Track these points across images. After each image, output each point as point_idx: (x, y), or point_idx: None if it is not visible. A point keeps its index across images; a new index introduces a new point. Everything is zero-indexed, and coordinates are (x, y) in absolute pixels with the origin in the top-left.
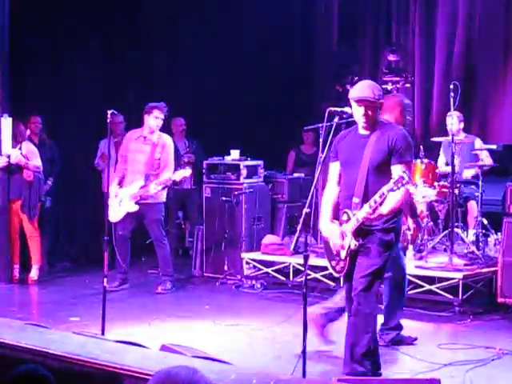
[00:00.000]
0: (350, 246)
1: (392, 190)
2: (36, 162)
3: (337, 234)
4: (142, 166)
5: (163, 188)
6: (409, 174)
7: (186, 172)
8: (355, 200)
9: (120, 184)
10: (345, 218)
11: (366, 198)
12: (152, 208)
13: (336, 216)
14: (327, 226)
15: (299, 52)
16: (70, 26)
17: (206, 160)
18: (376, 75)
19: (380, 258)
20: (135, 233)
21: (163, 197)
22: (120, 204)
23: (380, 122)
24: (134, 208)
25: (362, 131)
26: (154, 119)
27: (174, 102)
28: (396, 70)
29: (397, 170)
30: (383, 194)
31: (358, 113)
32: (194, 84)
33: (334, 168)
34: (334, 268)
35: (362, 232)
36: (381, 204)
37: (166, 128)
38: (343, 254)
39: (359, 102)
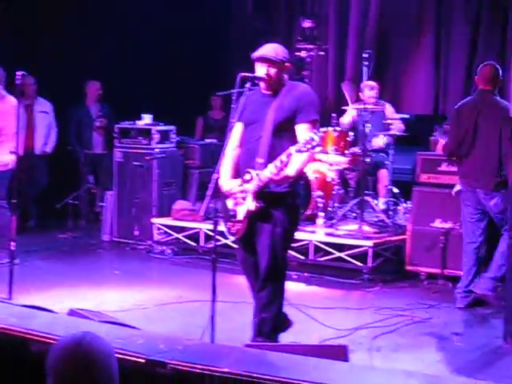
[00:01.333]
0: (249, 207)
1: (300, 150)
2: None
3: (237, 190)
4: None
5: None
6: (319, 135)
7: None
8: (259, 160)
9: None
10: (247, 177)
11: (270, 158)
12: None
13: (236, 177)
14: (227, 183)
15: (212, 17)
16: None
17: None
18: (290, 43)
19: (284, 224)
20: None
21: (9, 165)
22: None
23: (285, 83)
24: None
25: (266, 91)
26: None
27: (87, 65)
28: (310, 37)
29: (302, 128)
30: (290, 154)
31: (260, 72)
32: (105, 48)
33: (236, 128)
34: (229, 229)
35: (262, 194)
36: (286, 165)
37: (80, 91)
38: (241, 214)
39: (261, 60)
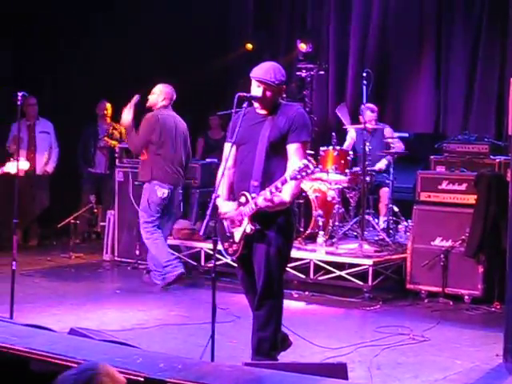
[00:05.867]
0: (245, 230)
1: (296, 178)
2: None
3: (234, 213)
4: None
5: None
6: (313, 162)
7: (24, 165)
8: (254, 183)
9: None
10: (243, 200)
11: (264, 181)
12: None
13: (232, 197)
14: (224, 205)
15: (212, 34)
16: None
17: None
18: (291, 62)
19: (278, 243)
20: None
21: None
22: None
23: (279, 103)
24: None
25: (260, 111)
26: None
27: (93, 86)
28: (311, 57)
29: (293, 148)
30: (285, 180)
31: (256, 92)
32: (113, 66)
33: (230, 148)
34: (226, 250)
35: (258, 216)
36: (281, 191)
37: (92, 110)
38: (237, 236)
39: (258, 82)
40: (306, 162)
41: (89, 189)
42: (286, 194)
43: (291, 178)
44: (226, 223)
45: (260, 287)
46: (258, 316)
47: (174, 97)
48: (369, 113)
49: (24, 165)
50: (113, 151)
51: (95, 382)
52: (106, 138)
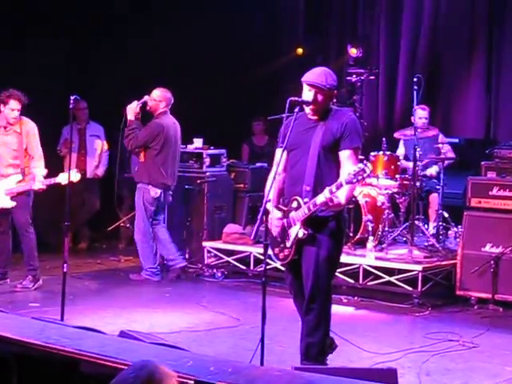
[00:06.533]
0: (297, 235)
1: (351, 182)
2: None
3: (284, 220)
4: (12, 159)
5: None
6: (369, 166)
7: (77, 176)
8: (306, 188)
9: None
10: (295, 205)
11: (316, 186)
12: (21, 193)
13: (281, 202)
14: (275, 211)
15: (263, 40)
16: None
17: None
18: (341, 66)
19: (328, 248)
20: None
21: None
22: None
23: (331, 109)
24: (10, 204)
25: (312, 117)
26: (10, 111)
27: (138, 89)
28: (361, 62)
29: (345, 155)
30: (341, 184)
31: (307, 97)
32: (151, 70)
33: (281, 153)
34: (276, 255)
35: (309, 221)
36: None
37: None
38: (289, 241)
39: (310, 86)
40: (361, 165)
41: (127, 194)
42: (342, 196)
43: (347, 182)
44: (277, 228)
45: (308, 291)
46: (306, 321)
47: (172, 101)
48: (420, 111)
49: (75, 176)
50: None
51: (156, 377)
52: None
